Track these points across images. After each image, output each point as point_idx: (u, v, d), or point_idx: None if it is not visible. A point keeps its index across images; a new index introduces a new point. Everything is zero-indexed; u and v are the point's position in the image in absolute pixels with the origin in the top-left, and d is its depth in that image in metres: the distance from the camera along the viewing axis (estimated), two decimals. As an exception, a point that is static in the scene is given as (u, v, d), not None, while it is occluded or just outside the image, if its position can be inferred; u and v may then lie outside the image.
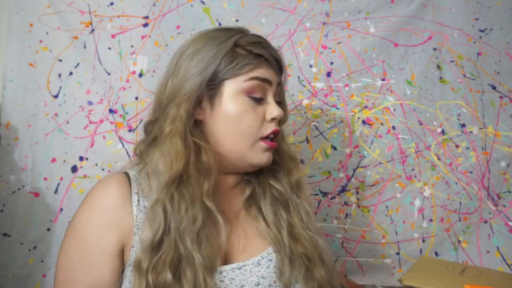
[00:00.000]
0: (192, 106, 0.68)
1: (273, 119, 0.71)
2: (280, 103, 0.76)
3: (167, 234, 0.63)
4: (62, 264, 0.66)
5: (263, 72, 0.71)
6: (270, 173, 0.77)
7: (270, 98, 0.72)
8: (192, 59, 0.70)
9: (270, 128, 0.71)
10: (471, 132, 1.21)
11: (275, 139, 0.73)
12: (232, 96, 0.69)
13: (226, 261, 0.69)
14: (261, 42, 0.73)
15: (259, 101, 0.71)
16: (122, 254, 0.66)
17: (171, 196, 0.64)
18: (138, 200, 0.67)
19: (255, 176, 0.77)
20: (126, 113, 1.09)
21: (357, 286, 0.89)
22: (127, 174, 0.71)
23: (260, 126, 0.70)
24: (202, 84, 0.68)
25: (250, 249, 0.71)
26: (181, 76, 0.70)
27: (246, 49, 0.71)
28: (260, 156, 0.71)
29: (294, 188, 0.78)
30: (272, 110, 0.71)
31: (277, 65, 0.74)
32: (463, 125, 1.21)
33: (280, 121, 0.76)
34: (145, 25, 1.12)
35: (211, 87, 0.69)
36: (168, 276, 0.60)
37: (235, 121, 0.69)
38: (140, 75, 1.11)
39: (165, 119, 0.69)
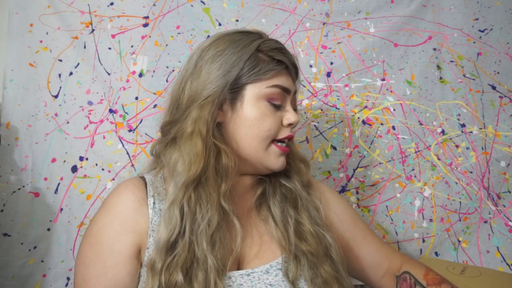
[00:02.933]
0: (215, 109, 0.69)
1: (289, 125, 0.74)
2: (295, 109, 0.78)
3: (182, 235, 0.64)
4: (79, 269, 0.67)
5: (284, 80, 0.73)
6: (282, 172, 0.78)
7: (288, 105, 0.74)
8: (214, 61, 0.70)
9: (285, 132, 0.74)
10: (471, 132, 1.21)
11: (288, 144, 0.76)
12: (253, 100, 0.70)
13: (238, 264, 0.70)
14: (282, 48, 0.75)
15: (278, 107, 0.73)
16: (139, 256, 0.67)
17: (189, 197, 0.65)
18: (154, 203, 0.69)
19: (267, 175, 0.79)
20: (126, 113, 1.09)
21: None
22: (143, 178, 0.73)
23: (278, 130, 0.73)
24: (225, 87, 0.69)
25: (262, 255, 0.72)
26: (203, 78, 0.70)
27: (268, 55, 0.72)
28: (275, 161, 0.73)
29: (304, 186, 0.80)
30: (290, 116, 0.73)
31: (295, 72, 0.77)
32: (463, 125, 1.21)
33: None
34: (145, 25, 1.12)
35: (233, 90, 0.70)
36: (179, 277, 0.61)
37: (255, 124, 0.70)
38: (140, 75, 1.11)
39: (186, 120, 0.68)
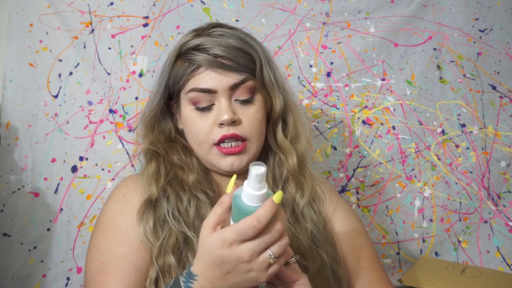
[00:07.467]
0: (159, 120, 0.75)
1: (221, 124, 0.67)
2: (249, 101, 0.70)
3: (164, 221, 0.66)
4: (95, 257, 0.66)
5: (201, 81, 0.67)
6: (280, 183, 0.75)
7: (222, 103, 0.67)
8: (159, 75, 0.76)
9: (219, 134, 0.68)
10: (471, 132, 1.21)
11: (238, 143, 0.68)
12: (184, 107, 0.71)
13: None
14: (199, 44, 0.68)
15: (206, 109, 0.68)
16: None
17: (163, 189, 0.68)
18: None
19: None
20: (126, 113, 1.09)
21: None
22: None
23: (210, 133, 0.68)
24: (161, 100, 0.73)
25: None
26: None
27: (186, 58, 0.69)
28: (220, 161, 0.69)
29: (306, 200, 0.74)
30: (220, 114, 0.67)
31: (234, 61, 0.67)
32: (463, 125, 1.21)
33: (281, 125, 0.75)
34: (145, 25, 1.12)
35: (175, 99, 0.73)
36: (172, 259, 0.62)
37: (188, 131, 0.72)
38: (140, 75, 1.11)
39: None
